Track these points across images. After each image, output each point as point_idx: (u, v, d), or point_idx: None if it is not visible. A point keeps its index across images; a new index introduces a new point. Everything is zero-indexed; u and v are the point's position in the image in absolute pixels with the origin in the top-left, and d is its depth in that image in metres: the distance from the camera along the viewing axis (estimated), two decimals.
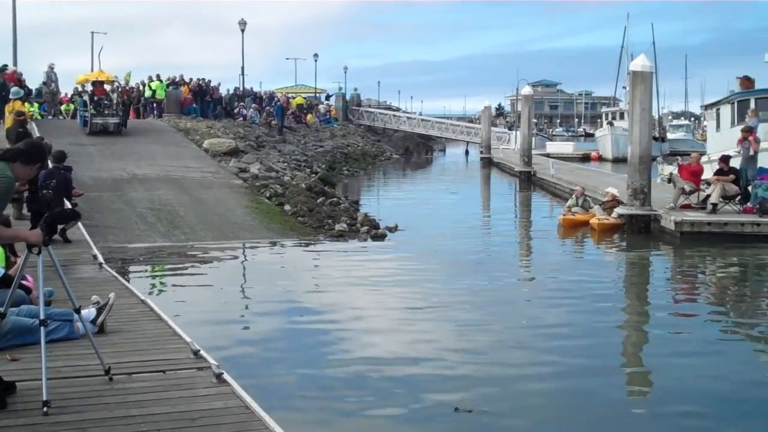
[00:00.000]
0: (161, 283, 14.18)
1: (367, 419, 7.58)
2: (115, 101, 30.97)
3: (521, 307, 12.33)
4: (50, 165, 14.52)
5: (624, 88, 56.52)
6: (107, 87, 31.55)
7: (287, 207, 20.77)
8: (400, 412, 7.68)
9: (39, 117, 33.83)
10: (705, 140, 37.42)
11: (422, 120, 69.70)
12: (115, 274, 10.87)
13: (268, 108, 43.31)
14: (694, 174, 19.64)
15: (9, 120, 23.26)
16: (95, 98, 30.40)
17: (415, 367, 8.96)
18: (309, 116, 54.92)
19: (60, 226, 11.55)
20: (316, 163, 36.54)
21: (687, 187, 19.51)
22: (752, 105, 24.43)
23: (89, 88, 31.44)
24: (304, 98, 60.41)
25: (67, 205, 14.28)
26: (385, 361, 9.24)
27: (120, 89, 33.19)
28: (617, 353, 10.06)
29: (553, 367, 9.05)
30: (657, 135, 49.61)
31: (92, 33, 52.69)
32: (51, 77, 38.18)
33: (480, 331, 10.62)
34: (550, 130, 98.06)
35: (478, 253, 17.34)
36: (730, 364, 9.37)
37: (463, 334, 10.49)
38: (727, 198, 18.79)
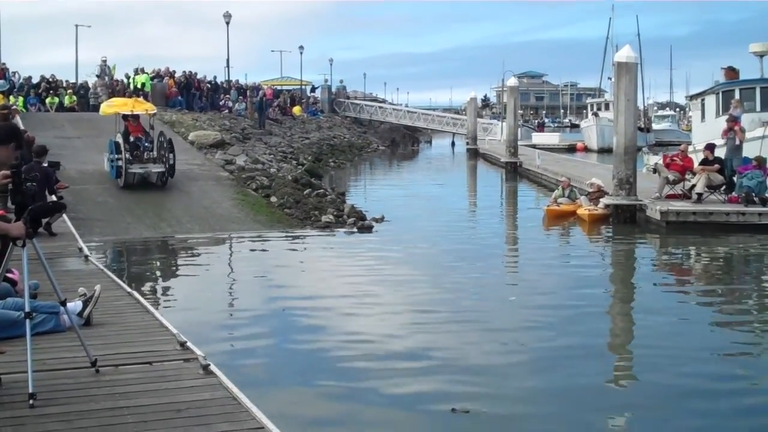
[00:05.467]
0: (147, 275, 14.14)
1: (357, 414, 7.49)
2: (157, 140, 22.06)
3: (511, 300, 12.26)
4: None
5: (609, 79, 56.76)
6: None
7: (274, 199, 20.74)
8: (393, 409, 7.51)
9: (24, 110, 33.70)
10: (690, 130, 37.55)
11: (408, 111, 69.63)
12: (101, 267, 10.81)
13: (255, 99, 43.15)
14: (684, 168, 19.69)
15: None
16: (130, 138, 21.74)
17: (407, 363, 8.84)
18: (296, 108, 54.77)
19: (44, 219, 11.50)
20: (303, 155, 36.48)
21: (671, 177, 19.60)
22: (737, 95, 24.54)
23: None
24: (284, 91, 60.21)
25: (51, 198, 14.20)
26: (374, 354, 9.19)
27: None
28: (610, 345, 10.06)
29: (549, 362, 8.96)
30: (642, 125, 49.88)
31: (76, 26, 52.16)
32: (105, 70, 38.27)
33: (471, 325, 10.56)
34: (536, 121, 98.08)
35: (465, 244, 17.34)
36: (716, 350, 9.41)
37: (454, 327, 10.43)
38: (712, 188, 18.88)
